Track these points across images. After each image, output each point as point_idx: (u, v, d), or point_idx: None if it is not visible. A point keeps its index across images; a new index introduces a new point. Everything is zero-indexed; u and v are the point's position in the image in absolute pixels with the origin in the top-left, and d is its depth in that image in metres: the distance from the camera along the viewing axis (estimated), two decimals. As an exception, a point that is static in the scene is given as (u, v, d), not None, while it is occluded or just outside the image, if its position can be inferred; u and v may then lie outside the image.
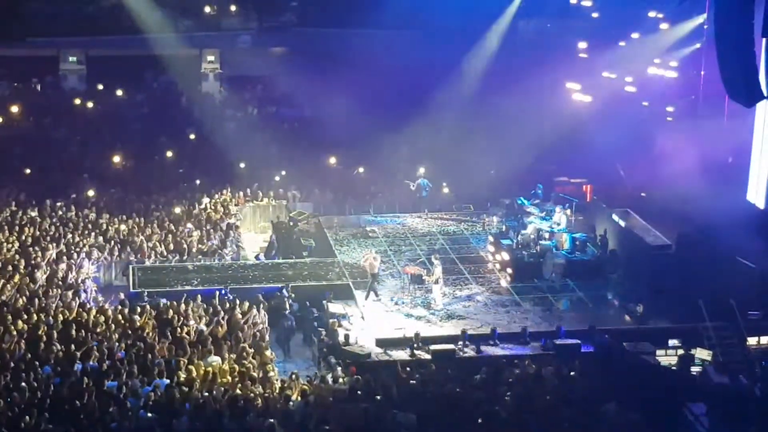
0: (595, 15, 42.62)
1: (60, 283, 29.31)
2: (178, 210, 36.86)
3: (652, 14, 38.00)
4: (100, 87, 50.28)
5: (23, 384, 21.62)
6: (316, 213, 39.50)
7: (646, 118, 40.04)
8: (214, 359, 24.13)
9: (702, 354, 26.75)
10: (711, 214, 30.56)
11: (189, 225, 35.66)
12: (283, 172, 42.17)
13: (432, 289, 30.49)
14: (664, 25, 37.96)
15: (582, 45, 44.16)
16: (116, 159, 42.04)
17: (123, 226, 34.95)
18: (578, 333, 27.98)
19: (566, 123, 40.98)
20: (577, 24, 44.11)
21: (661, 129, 38.96)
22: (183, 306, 27.47)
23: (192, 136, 45.59)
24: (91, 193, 38.46)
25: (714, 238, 29.81)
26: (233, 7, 52.56)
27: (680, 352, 26.79)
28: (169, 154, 43.40)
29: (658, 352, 27.09)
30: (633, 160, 37.66)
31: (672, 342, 27.42)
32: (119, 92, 50.08)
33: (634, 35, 41.23)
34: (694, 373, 25.47)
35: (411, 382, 23.57)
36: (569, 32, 44.44)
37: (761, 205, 29.84)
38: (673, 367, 26.35)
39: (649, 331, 28.59)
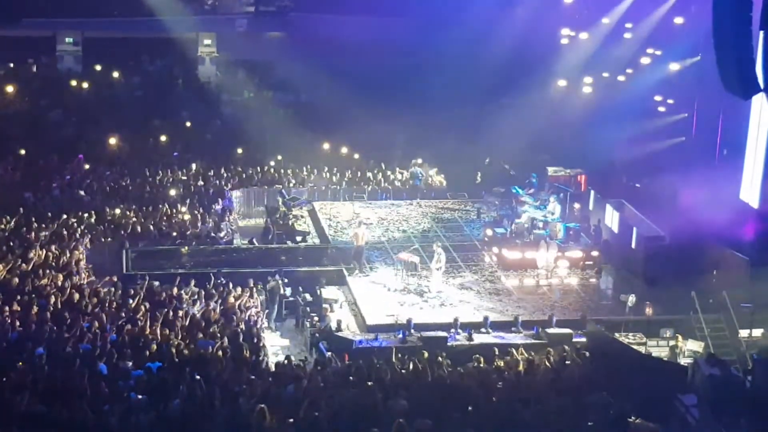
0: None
1: (53, 264, 29.27)
2: (172, 192, 36.83)
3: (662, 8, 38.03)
4: (97, 69, 50.22)
5: (15, 365, 21.61)
6: (311, 198, 39.52)
7: (641, 109, 40.05)
8: (207, 343, 24.13)
9: (693, 345, 26.82)
10: (705, 207, 30.61)
11: (183, 208, 35.72)
12: (279, 157, 42.25)
13: (432, 275, 30.52)
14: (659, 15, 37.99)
15: (576, 34, 44.14)
16: (112, 141, 41.97)
17: (117, 209, 34.91)
18: (570, 322, 28.05)
19: (561, 113, 41.01)
20: (573, 14, 44.08)
21: (656, 120, 38.99)
22: (176, 289, 27.48)
23: (188, 121, 45.51)
24: (85, 174, 38.42)
25: (707, 230, 29.85)
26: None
27: (672, 343, 26.86)
28: (164, 137, 43.34)
29: (650, 342, 27.16)
30: (628, 150, 37.69)
31: (664, 333, 27.49)
32: (115, 74, 50.03)
33: (629, 25, 41.24)
34: (686, 365, 25.49)
35: (403, 368, 23.59)
36: (564, 21, 44.41)
37: (755, 205, 29.87)
38: (665, 358, 26.40)
39: (641, 321, 28.67)
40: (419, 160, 40.02)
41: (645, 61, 40.10)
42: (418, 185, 39.36)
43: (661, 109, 39.29)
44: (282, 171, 41.17)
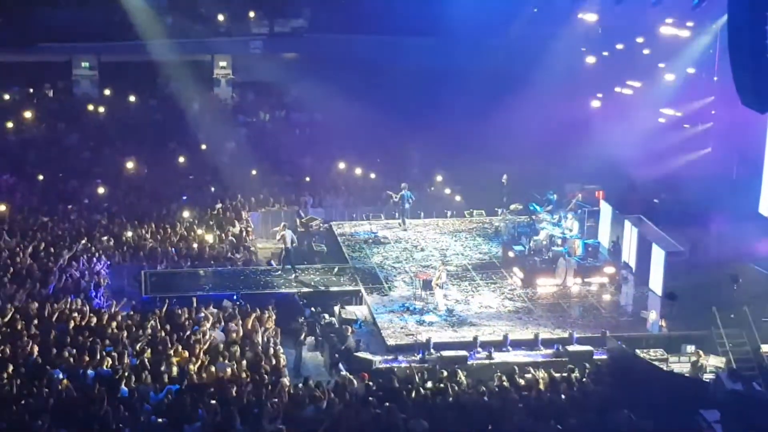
0: (598, 21, 42.61)
1: (72, 288, 29.34)
2: (188, 214, 36.88)
3: (669, 20, 37.85)
4: (113, 93, 50.44)
5: (35, 389, 21.64)
6: (328, 218, 39.50)
7: (658, 124, 39.92)
8: (226, 365, 24.11)
9: (715, 361, 26.66)
10: (724, 221, 30.50)
11: (200, 231, 35.78)
12: (295, 177, 42.30)
13: (435, 293, 30.46)
14: (676, 30, 37.82)
15: (593, 53, 44.10)
16: (129, 164, 42.07)
17: (135, 232, 34.99)
18: (591, 339, 27.91)
19: (578, 129, 40.91)
20: (588, 31, 44.04)
21: (673, 135, 38.86)
22: (195, 311, 27.48)
23: (204, 143, 45.54)
24: (103, 198, 38.54)
25: (727, 245, 29.74)
26: (245, 13, 52.66)
27: (693, 359, 26.70)
28: (181, 159, 43.44)
29: (671, 359, 27.01)
30: (645, 165, 37.55)
31: (685, 348, 27.35)
32: (132, 98, 50.22)
33: (644, 40, 41.17)
34: (708, 380, 25.35)
35: (423, 388, 23.51)
36: (581, 39, 44.37)
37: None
38: (686, 374, 26.25)
39: (662, 337, 28.52)
40: (404, 184, 39.83)
41: (660, 74, 39.97)
42: (407, 209, 39.14)
43: (686, 126, 39.16)
44: (299, 191, 41.18)
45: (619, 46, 42.20)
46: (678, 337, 28.19)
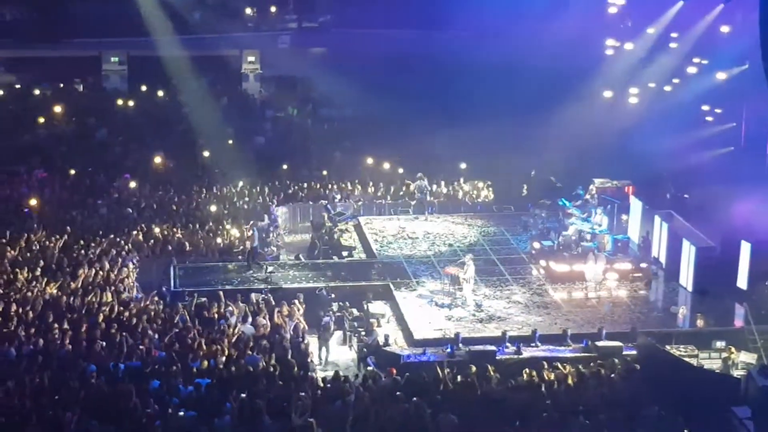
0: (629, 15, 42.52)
1: (102, 282, 29.46)
2: (215, 209, 36.96)
3: (700, 15, 37.66)
4: (142, 87, 50.67)
5: (66, 381, 21.76)
6: (356, 213, 39.49)
7: (688, 119, 39.71)
8: (256, 358, 24.15)
9: (746, 357, 26.46)
10: (755, 217, 30.26)
11: (228, 225, 35.83)
12: (324, 172, 42.32)
13: (463, 288, 30.39)
14: (707, 25, 37.64)
15: (621, 44, 43.87)
16: (157, 159, 42.23)
17: (164, 226, 35.11)
18: (620, 335, 27.76)
19: (607, 123, 40.74)
20: (618, 24, 43.85)
21: (703, 130, 38.65)
22: (224, 305, 27.54)
23: (232, 137, 45.65)
24: (132, 192, 38.71)
25: (758, 240, 29.52)
26: (273, 9, 52.80)
27: (724, 354, 26.52)
28: (209, 153, 43.53)
29: (702, 354, 26.83)
30: (676, 161, 37.36)
31: (716, 344, 27.17)
32: (160, 93, 50.40)
33: (675, 34, 40.90)
34: (739, 377, 25.16)
35: (451, 383, 23.46)
36: (609, 32, 44.17)
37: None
38: (717, 371, 26.07)
39: (693, 333, 28.34)
40: (420, 174, 39.80)
41: (691, 70, 39.75)
42: (422, 198, 39.16)
43: (709, 118, 38.90)
44: (327, 186, 41.20)
45: (650, 42, 41.96)
46: (708, 333, 27.99)
